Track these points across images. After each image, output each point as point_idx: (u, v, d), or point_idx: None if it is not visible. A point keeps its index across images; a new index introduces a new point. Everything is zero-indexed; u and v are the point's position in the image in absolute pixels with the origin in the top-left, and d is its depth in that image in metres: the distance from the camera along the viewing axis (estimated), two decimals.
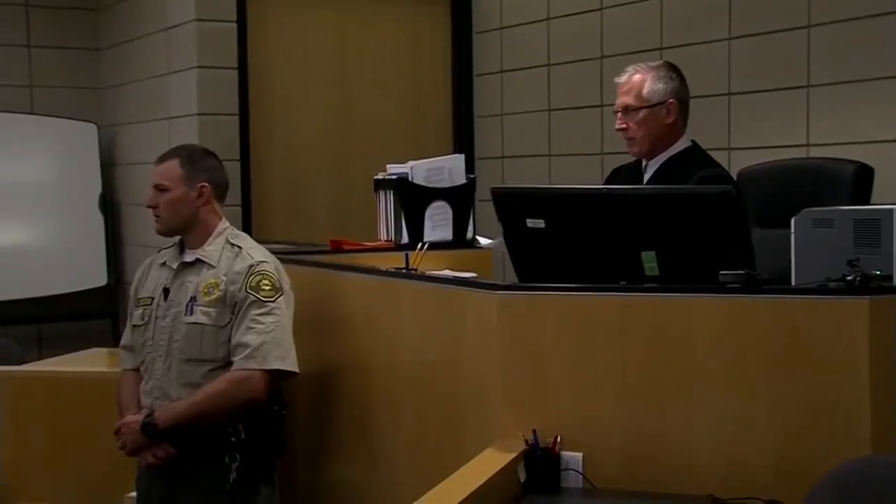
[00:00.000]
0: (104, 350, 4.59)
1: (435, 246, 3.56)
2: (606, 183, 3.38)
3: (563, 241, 2.62)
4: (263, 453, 3.04)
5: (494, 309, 2.55)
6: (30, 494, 3.49)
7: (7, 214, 5.68)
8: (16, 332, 5.16)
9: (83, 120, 5.83)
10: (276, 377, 3.02)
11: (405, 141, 5.38)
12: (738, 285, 2.35)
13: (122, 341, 3.27)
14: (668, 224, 2.49)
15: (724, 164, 3.31)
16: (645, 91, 3.13)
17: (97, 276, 5.77)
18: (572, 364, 2.46)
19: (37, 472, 3.53)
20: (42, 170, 5.86)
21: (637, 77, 3.16)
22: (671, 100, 3.14)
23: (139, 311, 3.18)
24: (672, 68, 3.20)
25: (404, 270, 3.30)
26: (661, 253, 2.50)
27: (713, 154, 3.24)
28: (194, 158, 3.16)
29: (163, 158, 3.17)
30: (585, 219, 2.59)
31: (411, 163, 3.86)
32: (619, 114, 3.17)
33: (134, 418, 3.02)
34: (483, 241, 3.84)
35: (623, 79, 3.19)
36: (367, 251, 3.76)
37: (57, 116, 5.80)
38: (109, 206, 5.85)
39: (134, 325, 3.19)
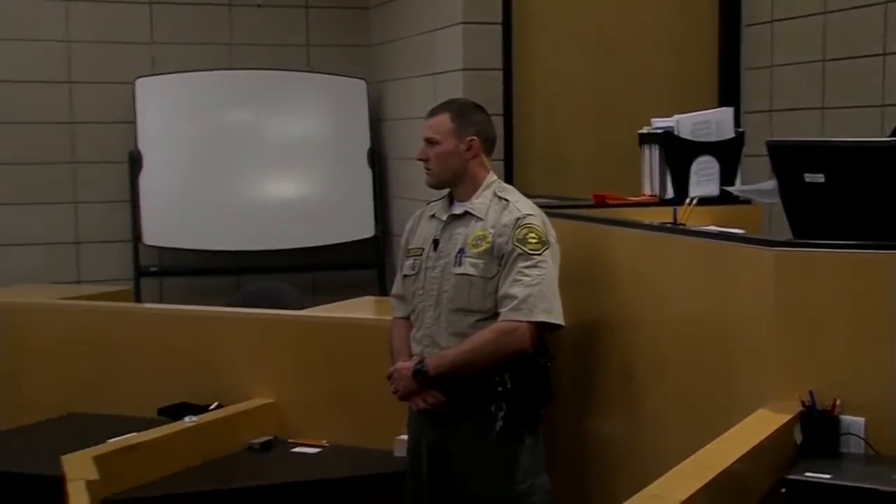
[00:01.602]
0: (373, 298, 4.79)
1: (700, 201, 3.49)
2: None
3: (844, 196, 2.50)
4: (529, 404, 3.08)
5: (770, 266, 2.47)
6: (310, 433, 3.69)
7: (284, 168, 6.01)
8: (292, 280, 5.48)
9: (353, 77, 6.07)
10: (542, 329, 3.04)
11: (667, 94, 5.28)
12: None
13: (394, 290, 3.38)
14: None
15: None
16: None
17: (365, 228, 6.02)
18: (853, 324, 2.35)
19: (317, 411, 3.72)
20: (315, 125, 6.15)
21: None
22: None
23: (410, 261, 3.27)
24: None
25: (671, 225, 3.25)
26: None
27: None
28: (464, 112, 3.21)
29: (433, 112, 3.24)
30: (870, 173, 2.46)
31: (677, 116, 3.78)
32: None
33: (406, 364, 3.13)
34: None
35: None
36: (631, 206, 3.72)
37: (330, 74, 6.07)
38: (377, 160, 6.07)
39: (405, 275, 3.29)
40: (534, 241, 3.05)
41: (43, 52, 5.79)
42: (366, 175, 6.04)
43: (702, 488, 1.91)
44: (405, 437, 3.31)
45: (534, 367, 3.09)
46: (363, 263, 6.08)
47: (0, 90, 5.72)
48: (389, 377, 3.16)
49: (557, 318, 3.04)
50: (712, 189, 3.74)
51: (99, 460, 3.07)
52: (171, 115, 5.90)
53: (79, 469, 2.98)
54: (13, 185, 5.76)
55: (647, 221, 3.27)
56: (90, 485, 2.84)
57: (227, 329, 3.94)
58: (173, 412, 3.72)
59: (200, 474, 3.39)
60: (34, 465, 3.35)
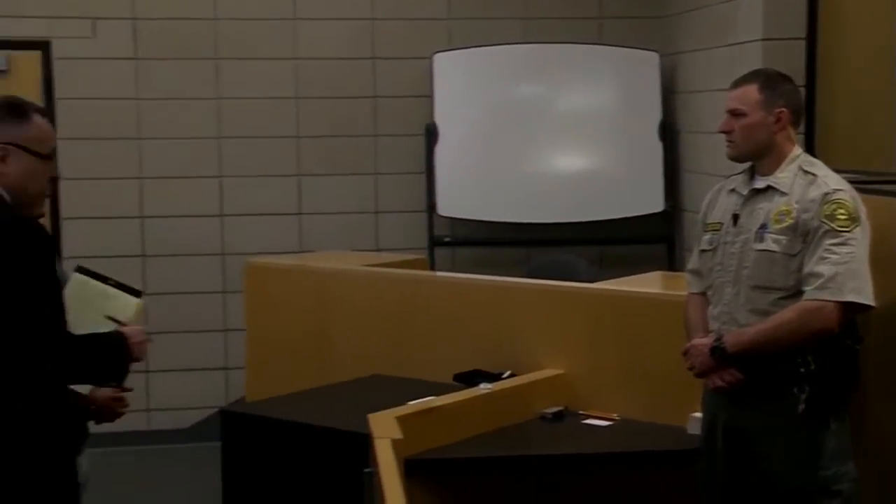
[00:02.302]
0: (663, 273, 4.73)
1: None
2: None
3: None
4: (835, 387, 2.96)
5: None
6: (600, 405, 3.69)
7: (574, 141, 6.04)
8: (580, 253, 5.51)
9: (646, 49, 5.99)
10: (850, 310, 2.91)
11: None
12: None
13: (690, 265, 3.33)
14: None
15: None
16: None
17: (655, 202, 5.95)
18: None
19: (607, 384, 3.71)
20: (606, 98, 6.13)
21: None
22: None
23: (707, 236, 3.21)
24: None
25: None
26: None
27: None
28: (772, 83, 3.10)
29: (738, 83, 3.15)
30: None
31: None
32: None
33: (703, 341, 3.07)
34: None
35: None
36: None
37: (621, 46, 6.02)
38: (669, 133, 5.97)
39: (702, 250, 3.23)
40: (843, 217, 2.92)
41: (350, 30, 6.08)
42: (656, 148, 5.96)
43: None
44: (699, 414, 3.26)
45: (840, 348, 2.96)
46: (652, 238, 6.02)
47: (312, 67, 6.06)
48: (685, 353, 3.13)
49: (867, 298, 2.90)
50: None
51: (401, 420, 3.21)
52: (466, 88, 6.05)
53: (384, 428, 3.12)
54: (322, 157, 6.10)
55: None
56: (395, 443, 2.98)
57: (521, 299, 4.01)
58: (468, 378, 3.83)
59: (495, 440, 3.47)
60: (340, 421, 3.55)
